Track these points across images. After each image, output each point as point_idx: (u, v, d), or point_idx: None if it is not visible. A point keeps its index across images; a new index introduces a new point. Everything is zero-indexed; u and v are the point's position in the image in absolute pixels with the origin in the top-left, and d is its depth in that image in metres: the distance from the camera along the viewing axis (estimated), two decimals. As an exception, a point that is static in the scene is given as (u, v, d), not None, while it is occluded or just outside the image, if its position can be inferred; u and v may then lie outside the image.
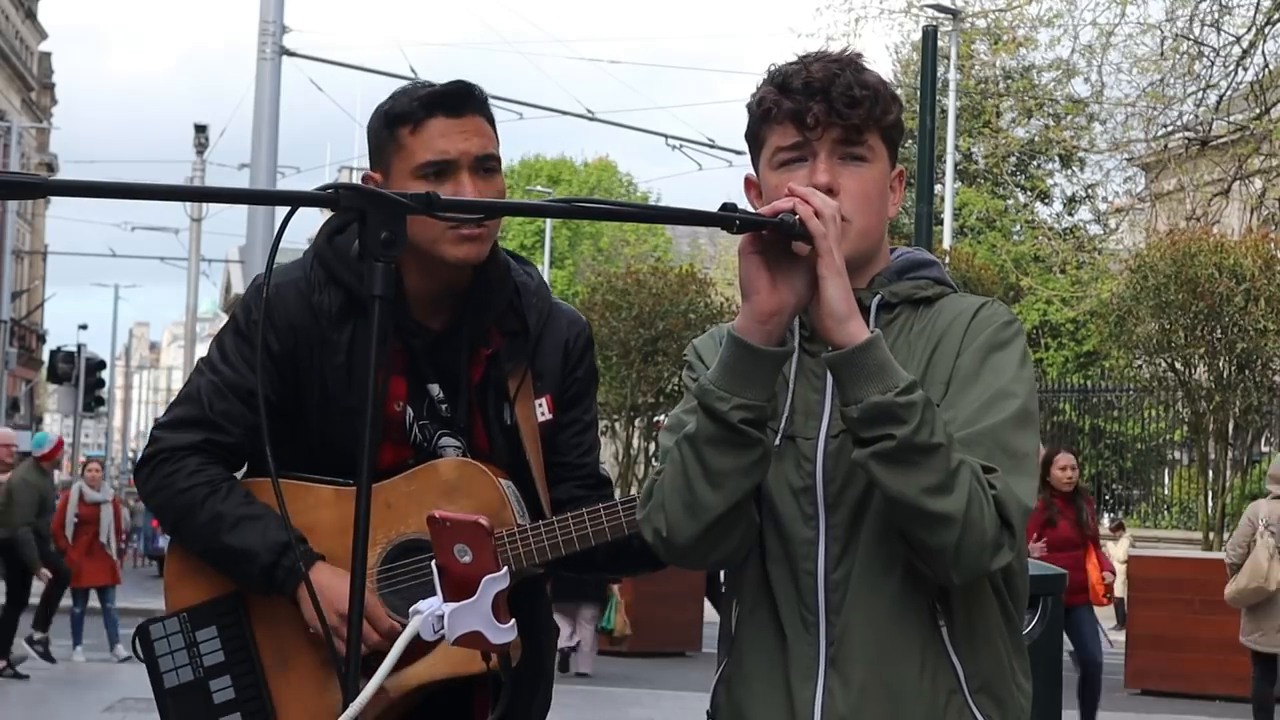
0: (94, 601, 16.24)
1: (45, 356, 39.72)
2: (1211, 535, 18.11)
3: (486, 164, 2.99)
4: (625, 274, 23.14)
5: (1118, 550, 21.10)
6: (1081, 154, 31.51)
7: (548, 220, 43.23)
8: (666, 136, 22.93)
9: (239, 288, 51.95)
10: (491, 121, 3.04)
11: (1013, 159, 31.50)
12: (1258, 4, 20.06)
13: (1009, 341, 2.37)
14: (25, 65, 57.45)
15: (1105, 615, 15.69)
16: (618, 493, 3.11)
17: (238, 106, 49.11)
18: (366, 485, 2.06)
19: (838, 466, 2.35)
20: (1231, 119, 21.02)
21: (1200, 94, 20.58)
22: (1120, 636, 16.19)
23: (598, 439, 3.27)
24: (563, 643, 14.42)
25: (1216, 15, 20.37)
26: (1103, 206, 33.25)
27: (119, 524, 16.62)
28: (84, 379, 30.58)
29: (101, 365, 32.87)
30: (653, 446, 21.42)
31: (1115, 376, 24.98)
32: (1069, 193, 35.13)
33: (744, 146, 2.50)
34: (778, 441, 2.35)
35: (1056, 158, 33.95)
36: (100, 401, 34.83)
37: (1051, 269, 29.48)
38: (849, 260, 2.28)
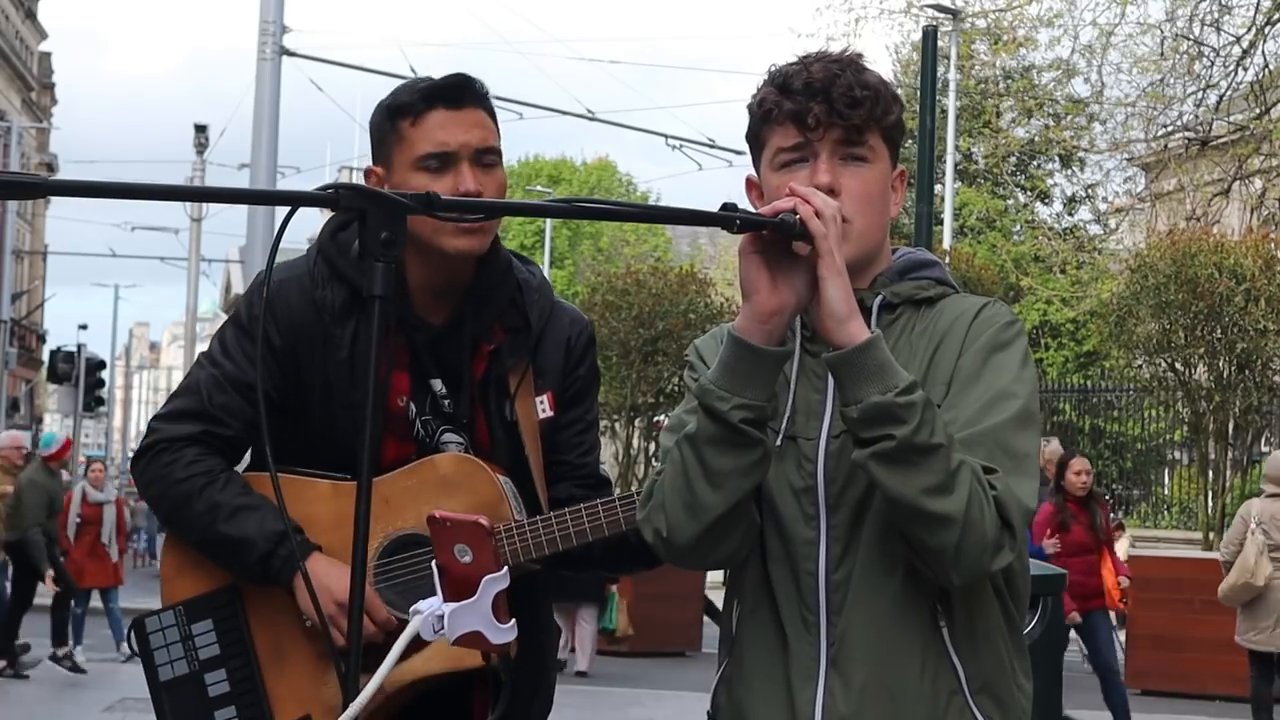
0: (96, 602, 16.23)
1: (45, 356, 39.61)
2: (1211, 535, 18.08)
3: (487, 156, 3.00)
4: (625, 274, 23.09)
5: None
6: (1081, 154, 31.46)
7: (548, 220, 43.21)
8: (666, 136, 22.95)
9: (239, 288, 51.89)
10: (492, 115, 3.06)
11: (1013, 159, 31.46)
12: (1258, 4, 20.06)
13: (1010, 342, 2.37)
14: (25, 65, 57.41)
15: (1105, 616, 15.66)
16: (617, 492, 3.10)
17: (238, 106, 49.19)
18: (367, 481, 2.06)
19: (839, 467, 2.35)
20: (1231, 119, 21.01)
21: (1200, 94, 20.58)
22: (1120, 636, 16.18)
23: (598, 440, 3.27)
24: (561, 654, 14.35)
25: (1216, 15, 20.37)
26: (1103, 206, 33.21)
27: (122, 524, 16.60)
28: (84, 379, 30.50)
29: (101, 365, 32.78)
30: (653, 446, 21.40)
31: (1115, 376, 24.94)
32: (1069, 193, 35.09)
33: (744, 146, 2.50)
34: (779, 442, 2.36)
35: (1056, 158, 33.89)
36: (100, 401, 34.75)
37: (1051, 269, 29.46)
38: (850, 261, 2.28)
